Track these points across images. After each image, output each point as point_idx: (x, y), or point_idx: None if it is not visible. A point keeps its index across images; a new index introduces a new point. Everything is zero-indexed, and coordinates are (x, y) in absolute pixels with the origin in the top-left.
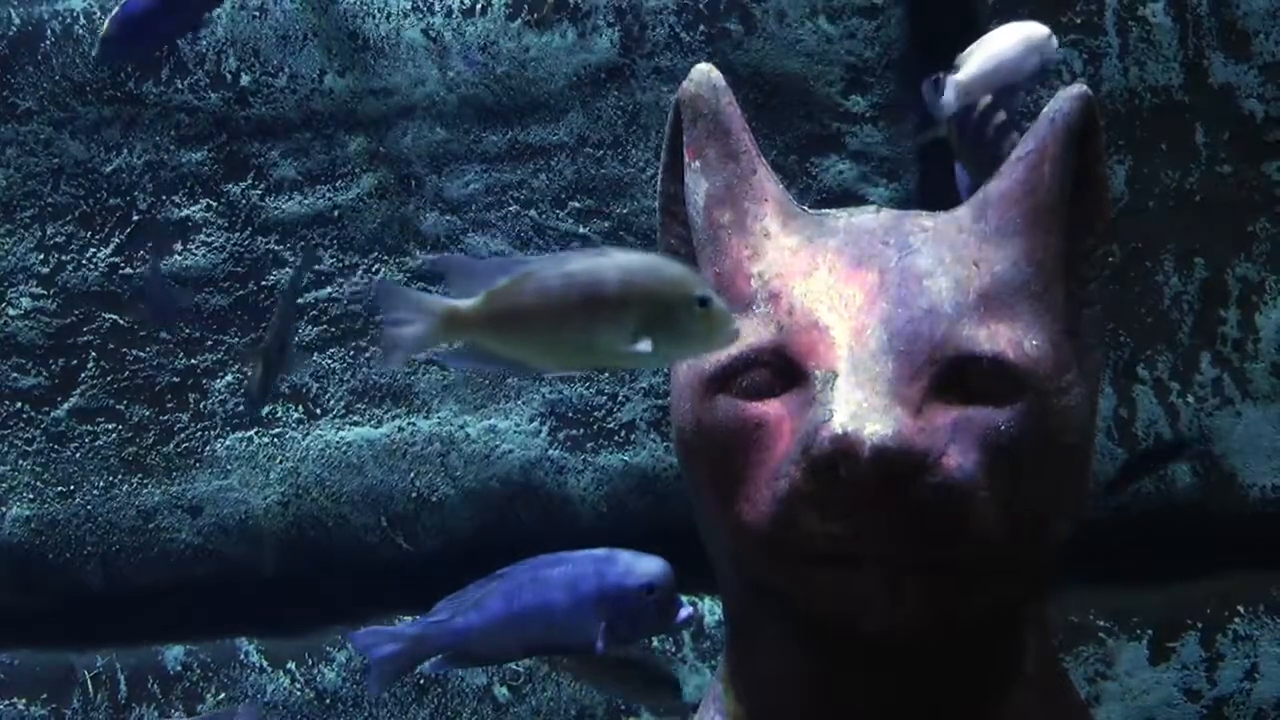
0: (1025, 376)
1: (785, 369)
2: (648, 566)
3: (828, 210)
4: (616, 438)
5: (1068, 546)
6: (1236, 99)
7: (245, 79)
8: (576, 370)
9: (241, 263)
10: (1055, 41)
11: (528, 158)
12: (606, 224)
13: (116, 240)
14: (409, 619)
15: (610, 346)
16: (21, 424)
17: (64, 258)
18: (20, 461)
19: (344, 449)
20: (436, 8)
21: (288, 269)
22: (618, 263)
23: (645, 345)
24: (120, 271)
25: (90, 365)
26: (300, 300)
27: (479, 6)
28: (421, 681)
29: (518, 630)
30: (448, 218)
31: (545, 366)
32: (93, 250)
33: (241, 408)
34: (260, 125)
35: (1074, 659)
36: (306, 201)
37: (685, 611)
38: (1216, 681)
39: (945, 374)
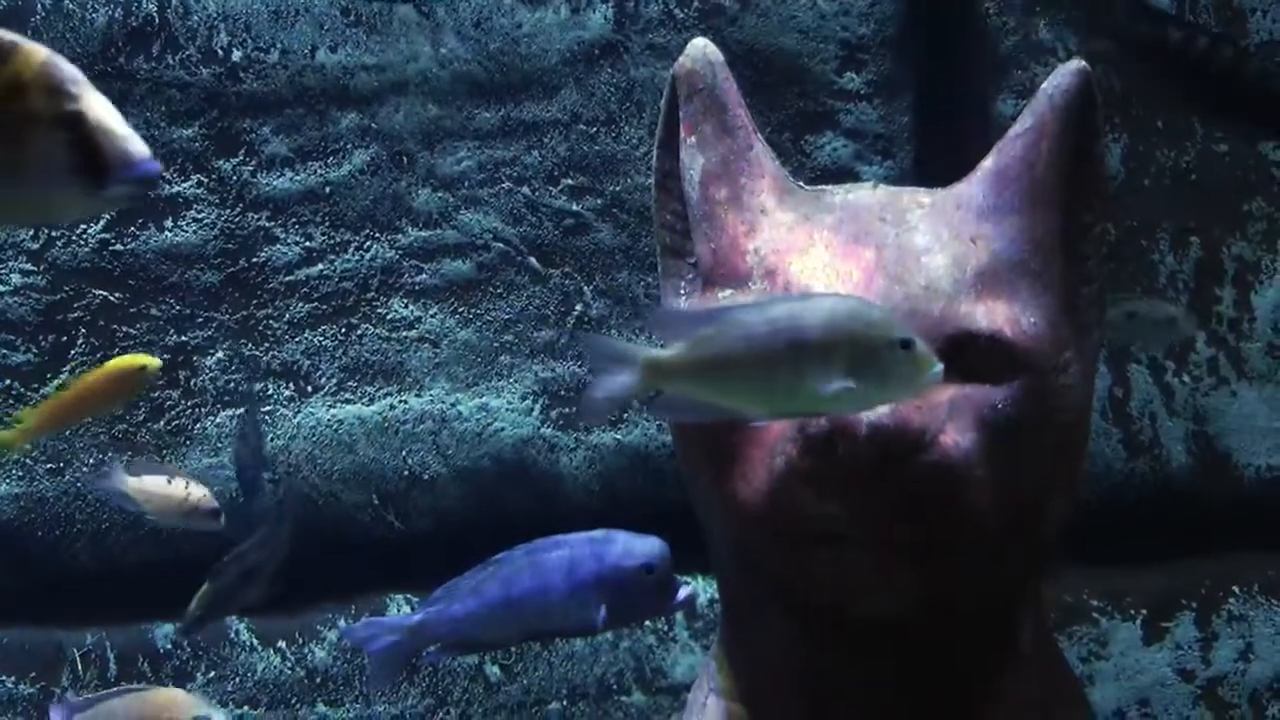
0: (1023, 355)
1: None
2: (646, 547)
3: (824, 186)
4: (610, 416)
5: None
6: None
7: (237, 55)
8: (782, 417)
9: (233, 239)
10: None
11: (520, 134)
12: (600, 201)
13: (107, 216)
14: (404, 603)
15: (814, 391)
16: (11, 400)
17: (54, 234)
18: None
19: (335, 427)
20: None
21: (281, 248)
22: (820, 307)
23: (849, 388)
24: (110, 248)
25: (80, 342)
26: (290, 278)
27: None
28: (413, 661)
29: (516, 615)
30: (440, 194)
31: (749, 413)
32: (83, 227)
33: (232, 384)
34: (252, 101)
35: (1068, 639)
36: (298, 178)
37: (684, 591)
38: (1211, 661)
39: (943, 351)
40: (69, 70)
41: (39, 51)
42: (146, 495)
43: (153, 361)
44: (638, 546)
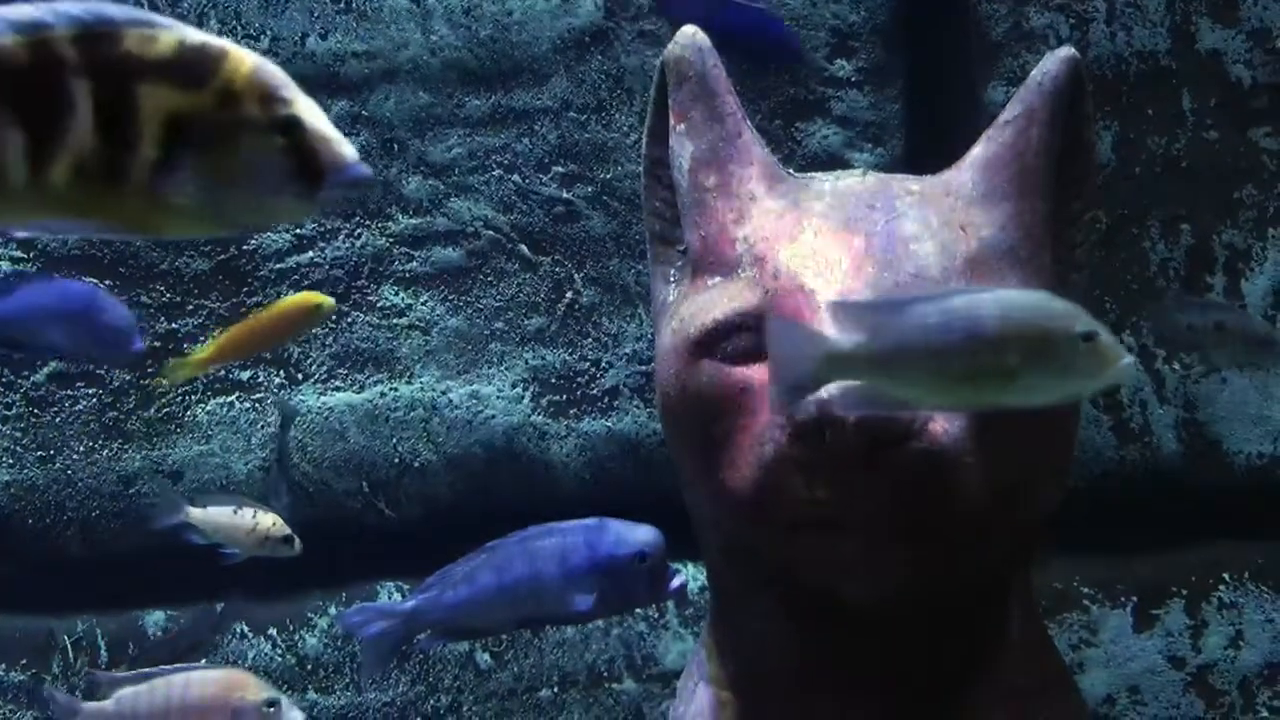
0: None
1: None
2: (639, 535)
3: (814, 174)
4: (600, 404)
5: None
6: (1224, 65)
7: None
8: (961, 409)
9: None
10: None
11: (511, 122)
12: (590, 188)
13: None
14: (395, 590)
15: (992, 383)
16: (1, 388)
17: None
18: (0, 426)
19: (326, 414)
20: None
21: (271, 236)
22: (998, 299)
23: (1028, 381)
24: (101, 235)
25: None
26: (280, 265)
27: None
28: (404, 648)
29: (509, 602)
30: (430, 182)
31: (929, 404)
32: None
33: (222, 372)
34: None
35: (1058, 626)
36: None
37: (677, 580)
38: (1201, 649)
39: None
40: (279, 75)
41: (249, 57)
42: (214, 526)
43: (328, 301)
44: (631, 534)
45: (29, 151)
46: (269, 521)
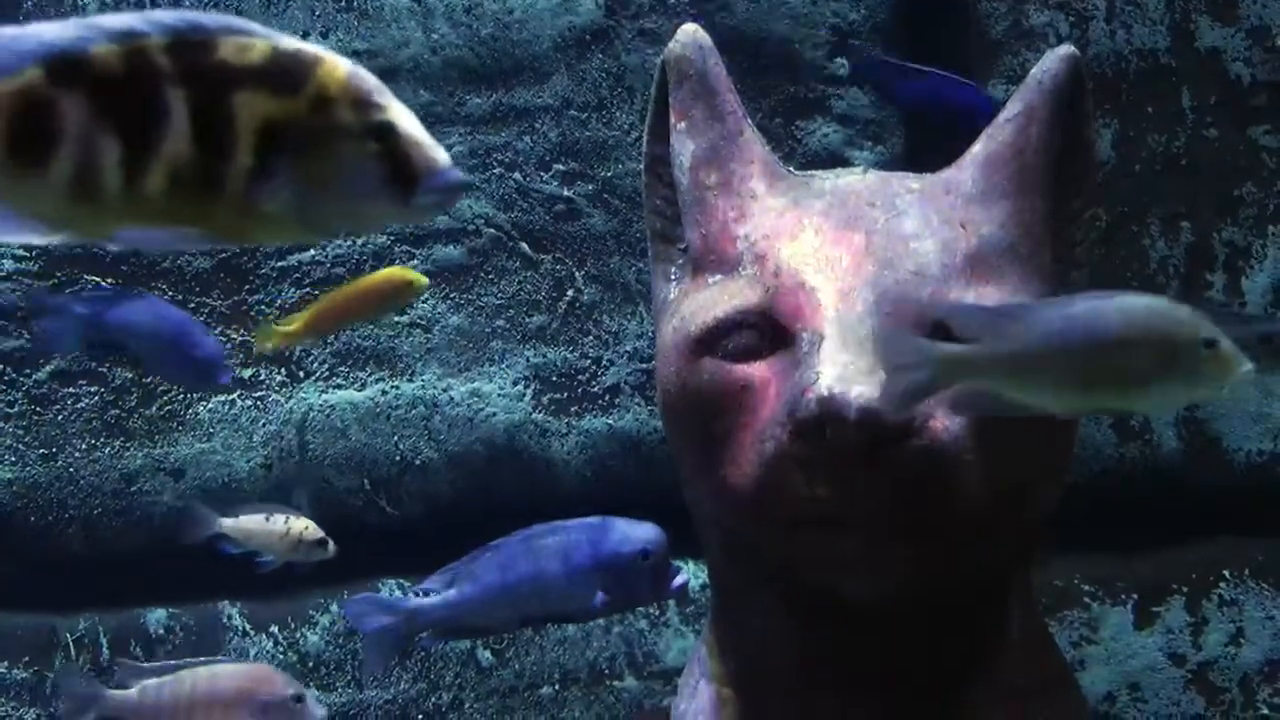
0: None
1: (771, 331)
2: (642, 533)
3: (814, 172)
4: (601, 401)
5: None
6: (1223, 63)
7: None
8: (1081, 414)
9: None
10: None
11: (512, 120)
12: (591, 187)
13: None
14: (396, 588)
15: (1111, 389)
16: (3, 386)
17: None
18: (2, 424)
19: (327, 412)
20: None
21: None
22: (1121, 306)
23: (1148, 388)
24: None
25: None
26: (281, 264)
27: None
28: (408, 646)
29: (512, 600)
30: None
31: (1049, 408)
32: None
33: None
34: None
35: (1059, 624)
36: None
37: (680, 578)
38: (1201, 646)
39: (932, 336)
40: (373, 81)
41: (342, 63)
42: (248, 535)
43: (420, 279)
44: (634, 532)
45: (124, 160)
46: (301, 526)
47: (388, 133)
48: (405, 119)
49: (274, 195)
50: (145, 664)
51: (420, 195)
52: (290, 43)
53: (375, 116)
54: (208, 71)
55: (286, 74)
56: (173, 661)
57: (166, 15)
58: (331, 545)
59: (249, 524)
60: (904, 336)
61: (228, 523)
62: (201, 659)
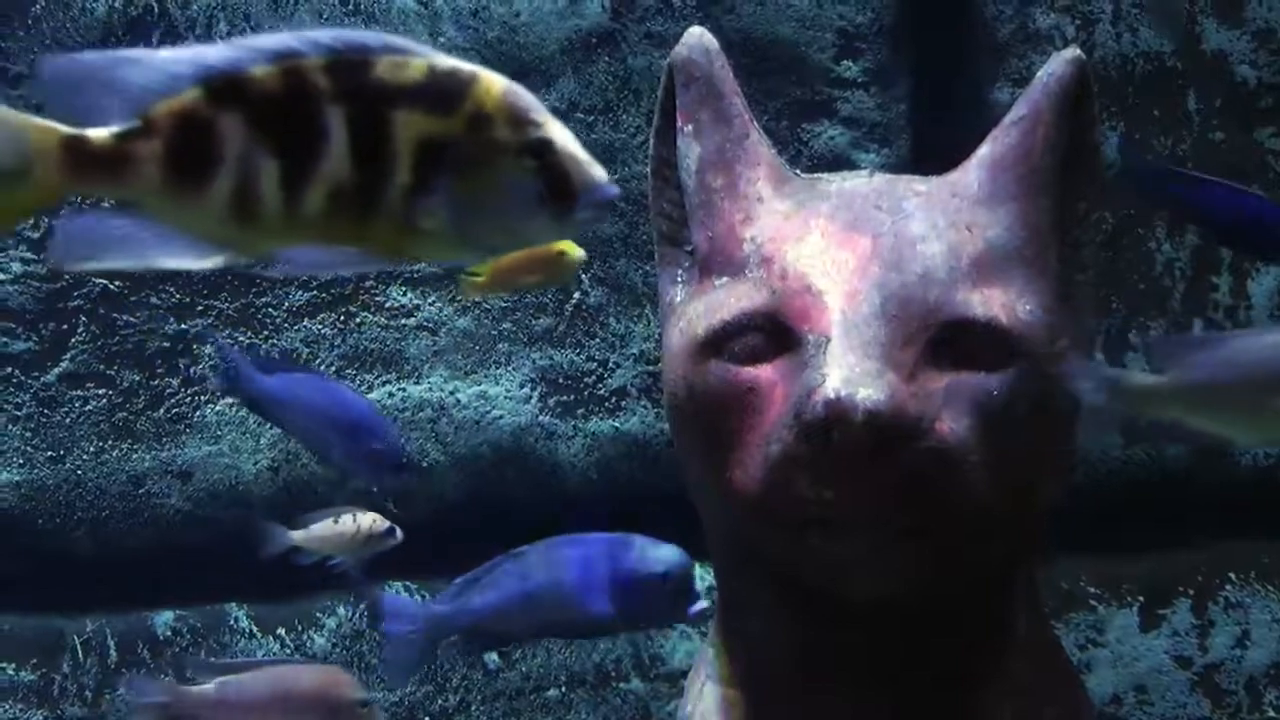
0: (1018, 342)
1: (778, 333)
2: (663, 554)
3: (821, 174)
4: (607, 404)
5: (1059, 512)
6: (1229, 65)
7: None
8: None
9: None
10: None
11: None
12: None
13: (108, 205)
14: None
15: None
16: (12, 389)
17: (54, 223)
18: (10, 426)
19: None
20: None
21: None
22: None
23: None
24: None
25: (80, 330)
26: None
27: None
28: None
29: (531, 610)
30: None
31: (1242, 440)
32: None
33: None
34: None
35: (1065, 626)
36: None
37: (698, 605)
38: (1207, 649)
39: (938, 339)
40: (528, 98)
41: (498, 80)
42: (320, 541)
43: (574, 251)
44: (654, 553)
45: (284, 180)
46: (368, 521)
47: (545, 149)
48: (561, 135)
49: (432, 213)
50: (217, 660)
51: (578, 211)
52: (447, 61)
53: (532, 133)
54: (365, 90)
55: (444, 92)
56: (242, 659)
57: (324, 34)
58: (399, 532)
59: (320, 531)
60: (1094, 368)
61: (299, 535)
62: (269, 658)
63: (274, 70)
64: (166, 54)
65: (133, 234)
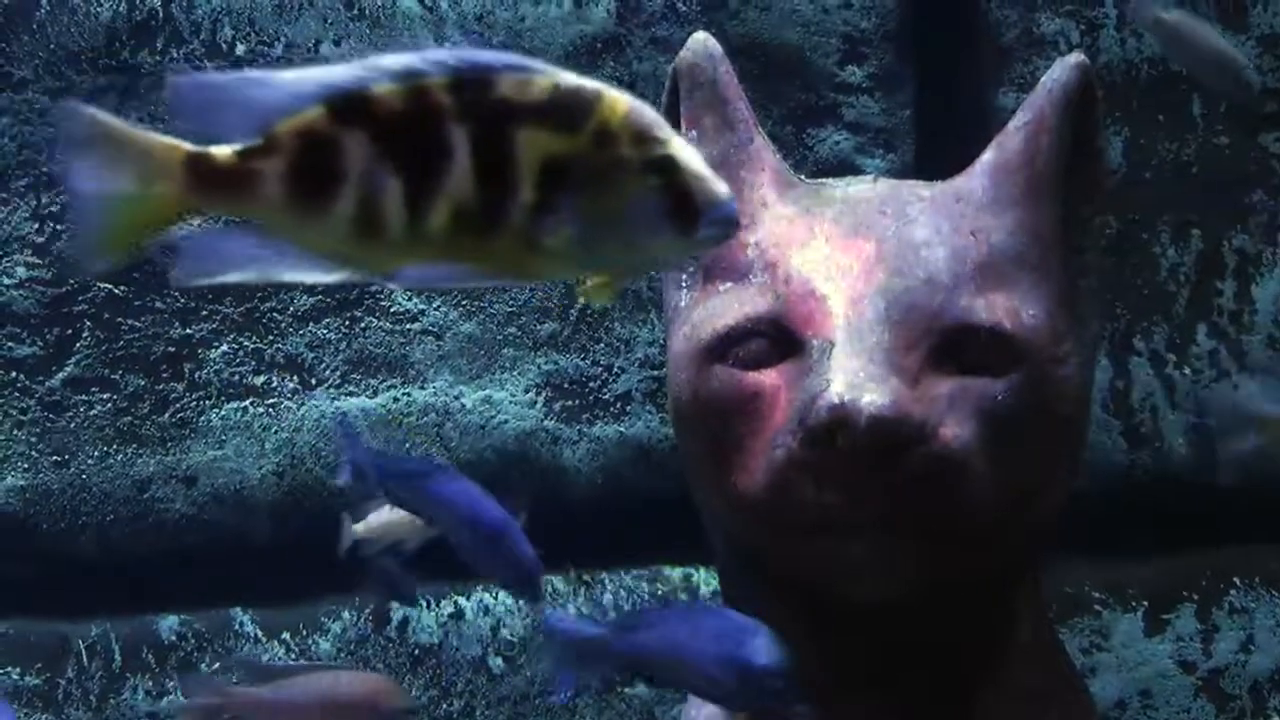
0: (1022, 347)
1: (782, 338)
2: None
3: (824, 180)
4: (612, 409)
5: (1063, 517)
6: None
7: (241, 48)
8: None
9: None
10: None
11: None
12: None
13: (228, 222)
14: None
15: None
16: (16, 393)
17: (59, 227)
18: (15, 431)
19: (339, 419)
20: None
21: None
22: None
23: None
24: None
25: (85, 335)
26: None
27: None
28: (416, 651)
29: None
30: None
31: None
32: None
33: (236, 376)
34: None
35: (1069, 630)
36: None
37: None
38: (1212, 654)
39: (942, 344)
40: (653, 115)
41: (623, 98)
42: (382, 531)
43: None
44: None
45: (407, 198)
46: None
47: (669, 167)
48: (685, 153)
49: (556, 231)
50: (267, 664)
51: (702, 228)
52: (571, 78)
53: (656, 151)
54: (489, 109)
55: (568, 110)
56: (293, 663)
57: (446, 54)
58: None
59: (378, 520)
60: (1226, 396)
61: (359, 528)
62: (319, 663)
63: (398, 89)
64: (291, 74)
65: (255, 250)
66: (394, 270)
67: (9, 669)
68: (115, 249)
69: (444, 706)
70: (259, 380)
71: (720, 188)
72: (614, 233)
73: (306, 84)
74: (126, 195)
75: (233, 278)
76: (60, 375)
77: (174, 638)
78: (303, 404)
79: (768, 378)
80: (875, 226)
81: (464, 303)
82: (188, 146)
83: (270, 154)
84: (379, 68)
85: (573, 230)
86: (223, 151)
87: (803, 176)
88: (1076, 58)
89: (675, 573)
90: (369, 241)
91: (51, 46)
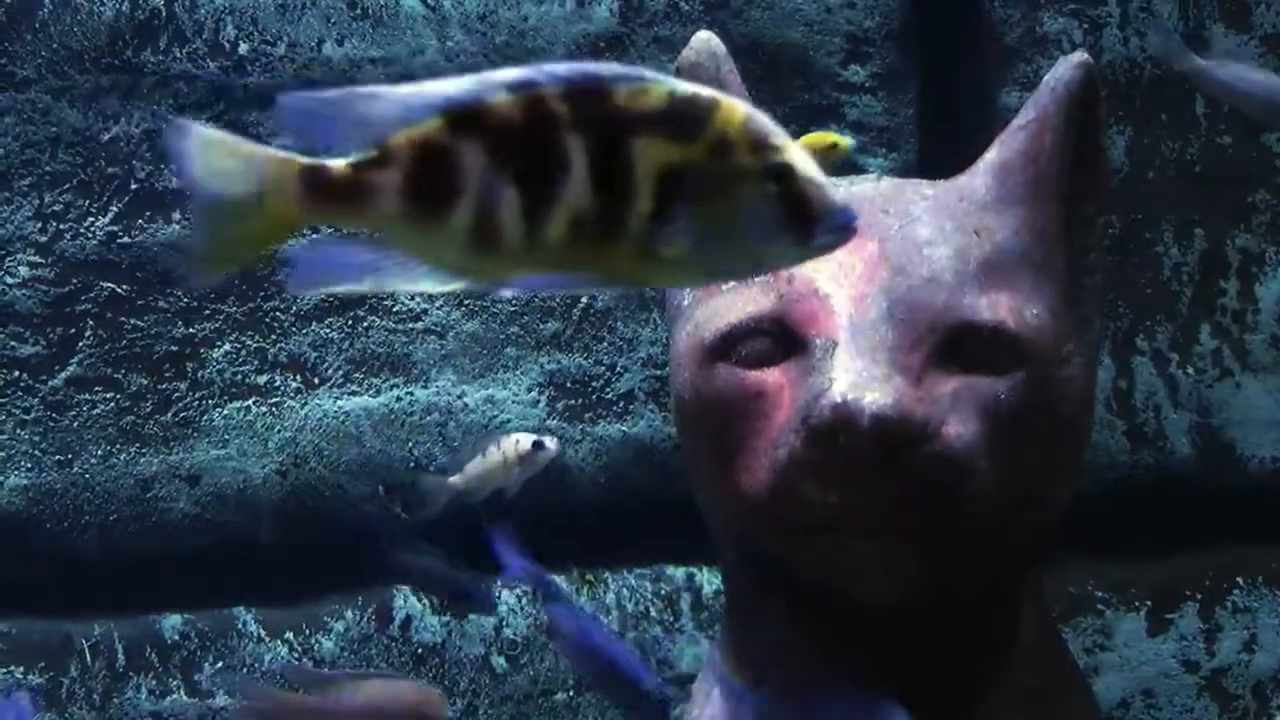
0: (1025, 346)
1: (785, 337)
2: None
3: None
4: (615, 408)
5: (1066, 517)
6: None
7: (244, 48)
8: None
9: None
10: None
11: None
12: None
13: (115, 209)
14: (410, 594)
15: None
16: (19, 393)
17: (62, 226)
18: (18, 430)
19: (342, 418)
20: None
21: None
22: None
23: None
24: (118, 240)
25: (88, 334)
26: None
27: None
28: (419, 651)
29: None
30: None
31: None
32: (91, 219)
33: (239, 376)
34: (259, 94)
35: (1072, 630)
36: None
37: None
38: (1215, 653)
39: (945, 343)
40: (768, 122)
41: (739, 106)
42: (479, 480)
43: (844, 141)
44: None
45: (525, 209)
46: (511, 443)
47: (787, 174)
48: (802, 160)
49: (674, 240)
50: (317, 670)
51: (819, 235)
52: (686, 87)
53: (774, 158)
54: (606, 118)
55: (685, 119)
56: (340, 671)
57: (560, 67)
58: (550, 441)
59: (474, 470)
60: None
61: (457, 479)
62: (367, 670)
63: (513, 99)
64: (405, 88)
65: (368, 261)
66: (510, 279)
67: (12, 668)
68: (229, 263)
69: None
70: (262, 380)
71: (836, 194)
72: (731, 241)
73: (419, 96)
74: (241, 209)
75: (345, 288)
76: (63, 374)
77: (177, 637)
78: (306, 403)
79: (770, 377)
80: (878, 225)
81: (466, 302)
82: (302, 159)
83: (385, 166)
84: (494, 80)
85: (689, 239)
86: (337, 164)
87: None
88: (1079, 56)
89: (678, 572)
90: (485, 252)
91: (54, 45)
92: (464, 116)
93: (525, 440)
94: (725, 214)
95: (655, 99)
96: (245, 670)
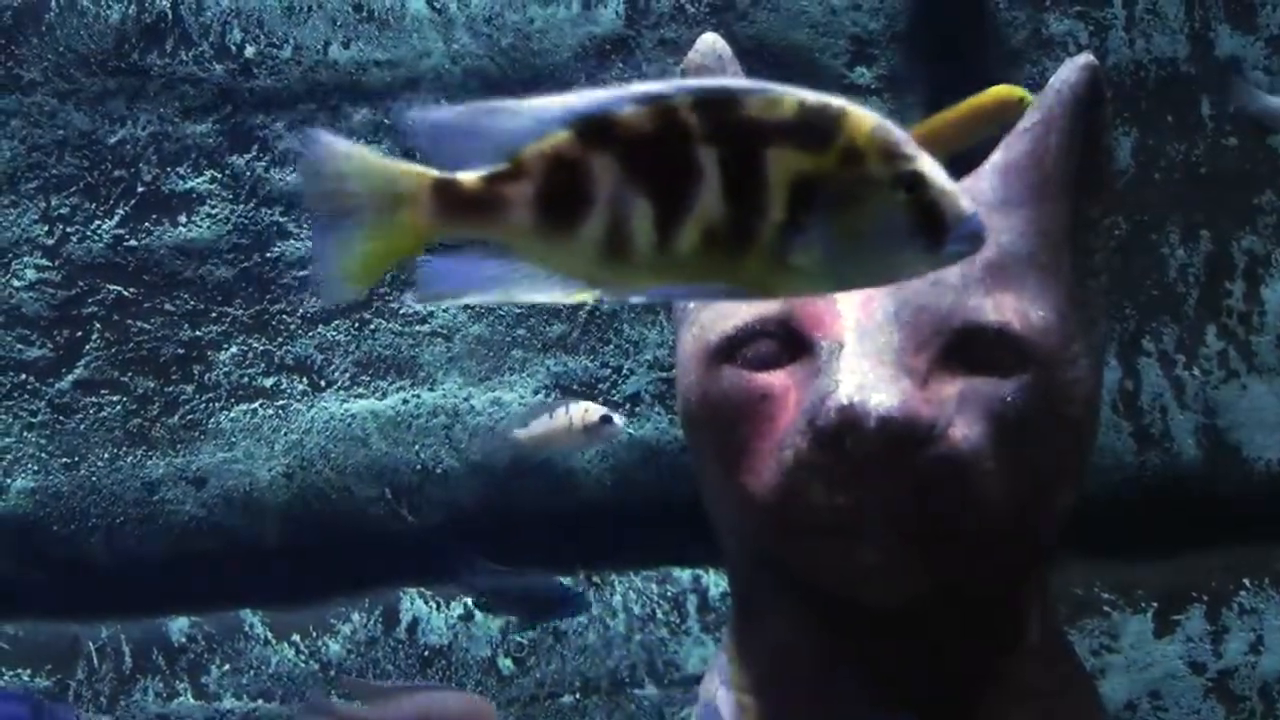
0: (1031, 347)
1: (791, 340)
2: None
3: None
4: (621, 410)
5: (1073, 518)
6: (1243, 71)
7: (250, 50)
8: None
9: (246, 234)
10: None
11: None
12: None
13: (121, 212)
14: (417, 597)
15: None
16: (26, 396)
17: (68, 229)
18: (25, 433)
19: (348, 421)
20: None
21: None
22: None
23: None
24: (125, 243)
25: (95, 337)
26: (303, 272)
27: None
28: (426, 653)
29: None
30: None
31: None
32: (97, 222)
33: (245, 379)
34: (265, 97)
35: (1079, 632)
36: None
37: None
38: (1221, 654)
39: (951, 345)
40: (897, 131)
41: (868, 115)
42: (544, 440)
43: (1026, 95)
44: None
45: (656, 220)
46: (580, 410)
47: (917, 183)
48: (932, 168)
49: (806, 250)
50: (376, 683)
51: (950, 244)
52: (815, 97)
53: (904, 167)
54: (737, 129)
55: (815, 128)
56: (396, 683)
57: (689, 81)
58: (617, 418)
59: (540, 428)
60: None
61: (522, 433)
62: (421, 683)
63: (644, 111)
64: (535, 101)
65: (498, 272)
66: (641, 290)
67: (20, 670)
68: (362, 276)
69: None
70: (268, 382)
71: (966, 203)
72: (862, 249)
73: (550, 110)
74: (374, 223)
75: (474, 299)
76: (70, 377)
77: (184, 639)
78: (312, 406)
79: (777, 379)
80: None
81: (472, 305)
82: (434, 173)
83: (517, 178)
84: (624, 93)
85: (821, 248)
86: (469, 177)
87: None
88: (1085, 58)
89: (684, 574)
90: (617, 262)
91: (60, 49)
92: (595, 128)
93: (595, 411)
94: (856, 223)
95: (786, 109)
96: (252, 672)
